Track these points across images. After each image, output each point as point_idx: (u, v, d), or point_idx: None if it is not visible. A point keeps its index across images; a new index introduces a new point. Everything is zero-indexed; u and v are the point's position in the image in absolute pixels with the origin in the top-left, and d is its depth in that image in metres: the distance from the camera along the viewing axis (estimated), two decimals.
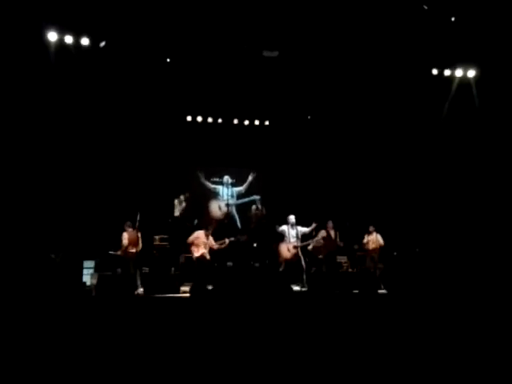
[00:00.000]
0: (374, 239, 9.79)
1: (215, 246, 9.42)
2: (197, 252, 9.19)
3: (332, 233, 9.52)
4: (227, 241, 9.55)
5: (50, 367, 3.38)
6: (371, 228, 9.86)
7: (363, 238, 9.98)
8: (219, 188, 11.18)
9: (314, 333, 4.39)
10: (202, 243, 9.25)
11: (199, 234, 9.37)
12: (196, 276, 8.93)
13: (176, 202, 10.51)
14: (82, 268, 9.04)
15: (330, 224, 9.55)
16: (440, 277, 8.50)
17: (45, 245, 8.90)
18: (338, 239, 9.53)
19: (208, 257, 9.25)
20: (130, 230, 8.68)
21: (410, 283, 8.33)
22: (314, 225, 9.45)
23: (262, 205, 10.82)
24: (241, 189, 11.20)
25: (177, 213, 10.46)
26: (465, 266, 8.80)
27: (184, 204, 10.44)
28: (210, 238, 9.43)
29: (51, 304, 4.96)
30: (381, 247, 9.80)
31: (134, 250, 8.64)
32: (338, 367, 3.57)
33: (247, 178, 11.27)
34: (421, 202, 11.25)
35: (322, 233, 9.55)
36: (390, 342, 4.12)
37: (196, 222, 10.69)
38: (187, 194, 10.52)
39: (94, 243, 9.83)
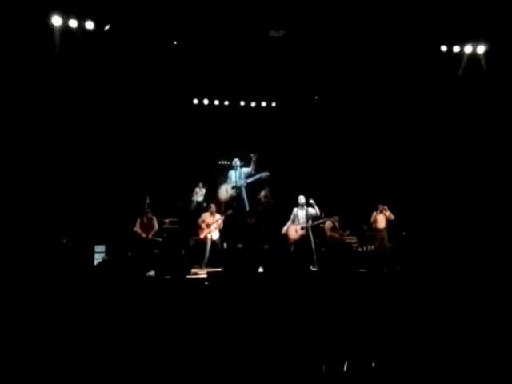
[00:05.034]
0: (382, 218, 9.69)
1: (220, 220, 9.45)
2: (201, 234, 9.35)
3: (337, 225, 9.77)
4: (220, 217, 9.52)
5: (63, 349, 3.45)
6: (381, 206, 9.73)
7: (371, 216, 9.90)
8: (230, 173, 11.19)
9: (325, 311, 4.41)
10: (205, 225, 9.35)
11: (204, 217, 9.48)
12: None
13: (197, 189, 11.20)
14: (93, 252, 9.16)
15: (337, 218, 9.76)
16: (449, 257, 8.44)
17: (57, 231, 9.01)
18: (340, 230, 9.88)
19: (214, 238, 9.34)
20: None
21: (419, 263, 8.29)
22: (324, 216, 9.53)
23: (270, 193, 10.95)
24: (249, 170, 11.15)
25: (200, 198, 11.12)
26: (474, 247, 8.72)
27: (204, 190, 11.19)
28: (217, 216, 9.48)
29: (64, 287, 5.02)
30: (389, 221, 9.69)
31: (143, 236, 9.06)
32: (349, 344, 3.60)
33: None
34: (430, 182, 11.16)
35: (328, 224, 9.72)
36: (399, 321, 4.13)
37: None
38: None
39: (104, 228, 9.93)
